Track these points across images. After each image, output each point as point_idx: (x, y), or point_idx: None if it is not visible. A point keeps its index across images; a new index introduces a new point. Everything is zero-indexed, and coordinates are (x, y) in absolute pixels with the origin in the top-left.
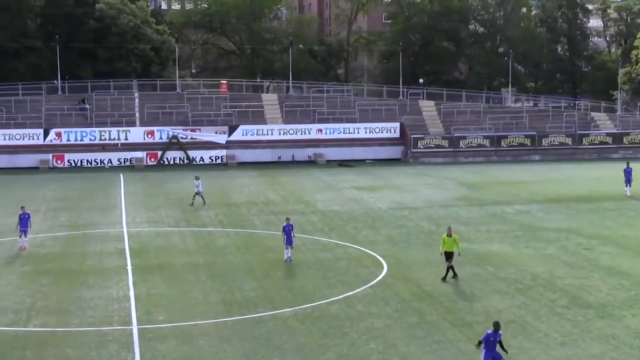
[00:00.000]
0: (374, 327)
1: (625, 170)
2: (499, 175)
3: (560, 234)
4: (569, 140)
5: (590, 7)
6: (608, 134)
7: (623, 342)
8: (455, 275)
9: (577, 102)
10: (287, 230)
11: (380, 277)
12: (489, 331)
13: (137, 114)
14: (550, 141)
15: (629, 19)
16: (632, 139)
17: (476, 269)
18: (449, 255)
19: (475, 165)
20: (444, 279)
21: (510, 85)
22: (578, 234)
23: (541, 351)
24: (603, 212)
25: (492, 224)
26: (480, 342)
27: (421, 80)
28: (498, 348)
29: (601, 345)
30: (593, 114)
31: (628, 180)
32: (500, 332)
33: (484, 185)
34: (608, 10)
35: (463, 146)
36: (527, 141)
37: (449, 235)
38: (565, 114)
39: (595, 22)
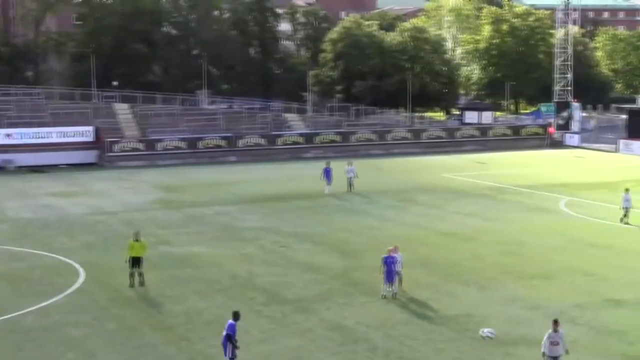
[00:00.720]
0: (71, 337)
1: (325, 170)
2: (196, 177)
3: (258, 233)
4: (263, 141)
5: (280, 11)
6: (300, 134)
7: (319, 334)
8: (142, 282)
9: (270, 103)
10: None
11: (77, 285)
12: (231, 321)
13: None
14: (246, 142)
15: (316, 23)
16: (322, 139)
17: (175, 271)
18: (137, 261)
19: (173, 167)
20: (133, 285)
21: (205, 88)
22: (275, 232)
23: (242, 349)
24: (298, 210)
25: (191, 225)
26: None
27: (115, 83)
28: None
29: (298, 339)
30: (286, 115)
31: (328, 179)
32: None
33: (182, 187)
34: (296, 15)
35: (160, 149)
36: (223, 143)
37: (137, 240)
38: (259, 115)
39: (285, 26)
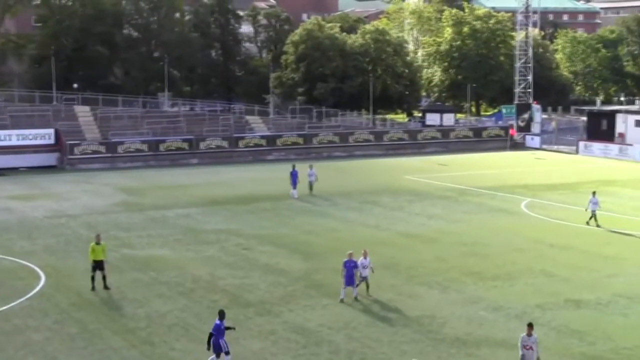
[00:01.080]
0: (32, 341)
1: (291, 173)
2: (158, 180)
3: (220, 236)
4: (225, 144)
5: (241, 13)
6: (262, 137)
7: (281, 336)
8: (106, 285)
9: (232, 105)
10: None
11: (38, 289)
12: (217, 321)
13: None
14: (208, 145)
15: (277, 25)
16: (284, 141)
17: (138, 274)
18: (99, 264)
19: (134, 170)
20: (95, 288)
21: (166, 90)
22: (237, 235)
23: (204, 352)
24: (260, 213)
25: (153, 228)
26: (211, 335)
27: (75, 85)
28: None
29: (261, 341)
30: (247, 117)
31: (294, 183)
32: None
33: (144, 190)
34: (258, 17)
35: (121, 151)
36: (185, 145)
37: (98, 243)
38: (221, 117)
39: (246, 28)
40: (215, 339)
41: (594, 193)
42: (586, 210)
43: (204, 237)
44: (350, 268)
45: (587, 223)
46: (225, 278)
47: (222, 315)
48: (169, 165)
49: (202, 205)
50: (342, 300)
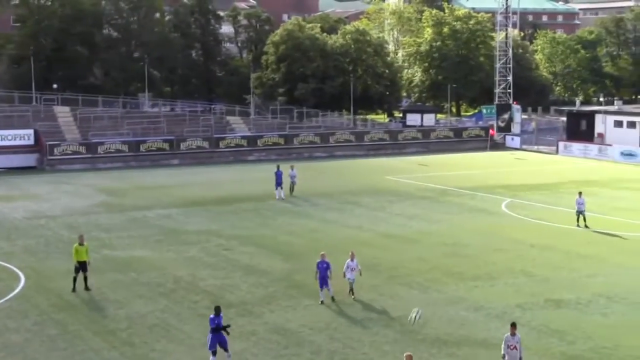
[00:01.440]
0: (12, 342)
1: (276, 173)
2: (138, 181)
3: (201, 236)
4: (206, 144)
5: (221, 13)
6: (243, 137)
7: (263, 337)
8: (87, 286)
9: (213, 106)
10: None
11: (17, 290)
12: (212, 316)
13: None
14: (189, 145)
15: (257, 25)
16: (265, 142)
17: (118, 275)
18: (82, 265)
19: (115, 171)
20: (75, 289)
21: (147, 90)
22: (218, 236)
23: (185, 353)
24: (241, 213)
25: (134, 229)
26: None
27: (55, 86)
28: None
29: (243, 342)
30: (228, 117)
31: (279, 183)
32: (221, 314)
33: (124, 190)
34: (238, 17)
35: (101, 152)
36: (166, 145)
37: (81, 244)
38: (202, 117)
39: (227, 29)
40: (212, 338)
41: (580, 193)
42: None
43: (185, 238)
44: (323, 269)
45: (578, 224)
46: (206, 279)
47: (217, 310)
48: (150, 166)
49: (183, 205)
50: (322, 302)
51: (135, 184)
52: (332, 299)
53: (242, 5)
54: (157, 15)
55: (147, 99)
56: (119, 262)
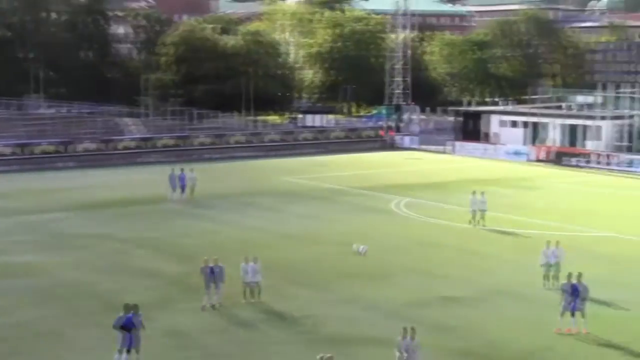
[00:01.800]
0: None
1: (179, 176)
2: (27, 184)
3: (94, 240)
4: (101, 146)
5: (119, 14)
6: (139, 139)
7: (156, 341)
8: None
9: (108, 107)
10: None
11: None
12: (121, 314)
13: None
14: (82, 147)
15: (152, 26)
16: (162, 143)
17: (7, 281)
18: None
19: (4, 174)
20: None
21: (40, 92)
22: (112, 239)
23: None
24: (136, 216)
25: (21, 234)
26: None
27: None
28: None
29: None
30: (124, 119)
31: (182, 186)
32: (139, 312)
33: (11, 194)
34: (135, 18)
35: None
36: (59, 148)
37: None
38: (96, 119)
39: (122, 29)
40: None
41: (474, 192)
42: (470, 210)
43: (77, 242)
44: (207, 274)
45: (470, 223)
46: (100, 282)
47: (131, 308)
48: (40, 169)
49: (75, 209)
50: (203, 307)
51: (23, 188)
52: (212, 307)
53: (140, 5)
54: (53, 15)
55: (39, 101)
56: (8, 267)
